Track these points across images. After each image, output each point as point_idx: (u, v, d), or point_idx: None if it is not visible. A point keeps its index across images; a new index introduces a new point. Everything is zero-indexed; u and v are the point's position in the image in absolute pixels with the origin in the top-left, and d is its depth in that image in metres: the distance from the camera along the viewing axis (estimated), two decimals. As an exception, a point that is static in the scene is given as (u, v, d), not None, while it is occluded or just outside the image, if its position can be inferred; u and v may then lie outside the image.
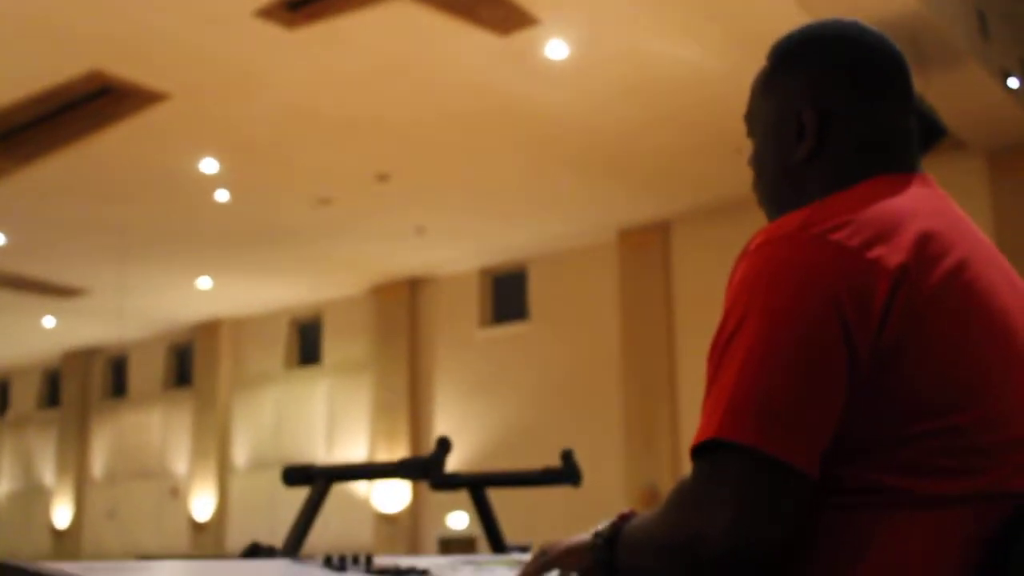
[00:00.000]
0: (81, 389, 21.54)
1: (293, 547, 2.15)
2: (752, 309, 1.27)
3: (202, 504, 18.93)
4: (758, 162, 1.55)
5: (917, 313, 1.26)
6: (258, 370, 18.89)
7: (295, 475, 2.35)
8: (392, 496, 16.32)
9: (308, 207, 13.56)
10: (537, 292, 15.84)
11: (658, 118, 11.17)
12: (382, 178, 12.70)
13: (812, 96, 1.46)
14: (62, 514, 21.46)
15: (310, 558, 1.88)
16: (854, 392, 1.25)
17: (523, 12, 9.19)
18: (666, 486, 12.39)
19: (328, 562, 1.75)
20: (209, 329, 19.24)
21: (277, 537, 2.39)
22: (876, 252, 1.28)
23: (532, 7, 9.13)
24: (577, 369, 14.98)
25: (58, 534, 21.38)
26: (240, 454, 18.92)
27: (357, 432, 17.22)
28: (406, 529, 16.23)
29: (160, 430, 20.22)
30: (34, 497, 22.30)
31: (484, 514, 2.65)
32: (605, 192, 13.31)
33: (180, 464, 19.75)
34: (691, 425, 13.20)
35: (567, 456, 2.61)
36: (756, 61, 1.61)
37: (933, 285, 1.29)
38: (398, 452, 15.87)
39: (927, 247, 1.31)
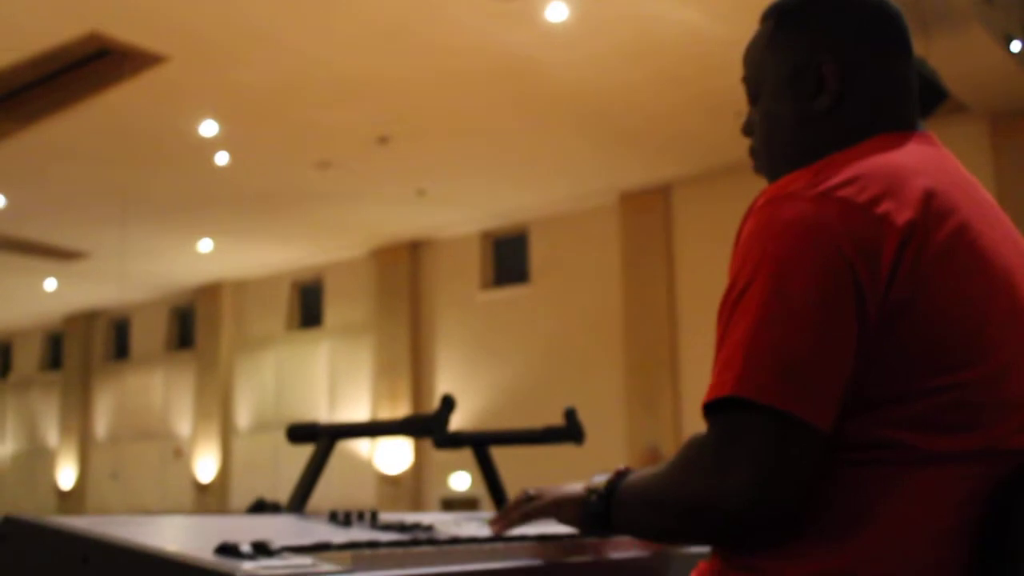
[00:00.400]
0: (83, 351, 21.59)
1: (298, 503, 2.17)
2: (762, 266, 1.28)
3: (205, 465, 19.02)
4: (766, 121, 1.54)
5: (924, 270, 1.27)
6: (260, 332, 18.92)
7: (300, 432, 2.37)
8: (395, 457, 16.39)
9: (309, 170, 13.53)
10: (538, 255, 15.84)
11: (659, 81, 11.12)
12: (383, 140, 12.67)
13: (830, 48, 1.46)
14: (66, 475, 21.57)
15: (315, 514, 1.90)
16: (862, 349, 1.26)
17: (524, -27, 9.14)
18: (667, 446, 12.44)
19: (333, 517, 1.77)
20: (211, 292, 19.26)
21: (280, 497, 2.41)
22: (884, 208, 1.28)
23: (533, -32, 9.07)
24: (578, 331, 15.00)
25: (62, 495, 21.50)
26: (242, 416, 18.98)
27: (359, 394, 17.27)
28: (408, 490, 16.31)
29: (162, 392, 20.28)
30: (38, 458, 22.40)
31: (487, 473, 2.67)
32: (606, 155, 13.27)
33: (183, 425, 19.83)
34: (692, 386, 13.28)
35: (570, 414, 2.62)
36: (757, 23, 1.61)
37: (940, 243, 1.29)
38: (400, 414, 15.91)
39: (932, 204, 1.31)
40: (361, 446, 16.32)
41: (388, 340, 16.93)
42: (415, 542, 1.47)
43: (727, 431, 1.26)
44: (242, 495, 17.86)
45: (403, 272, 16.90)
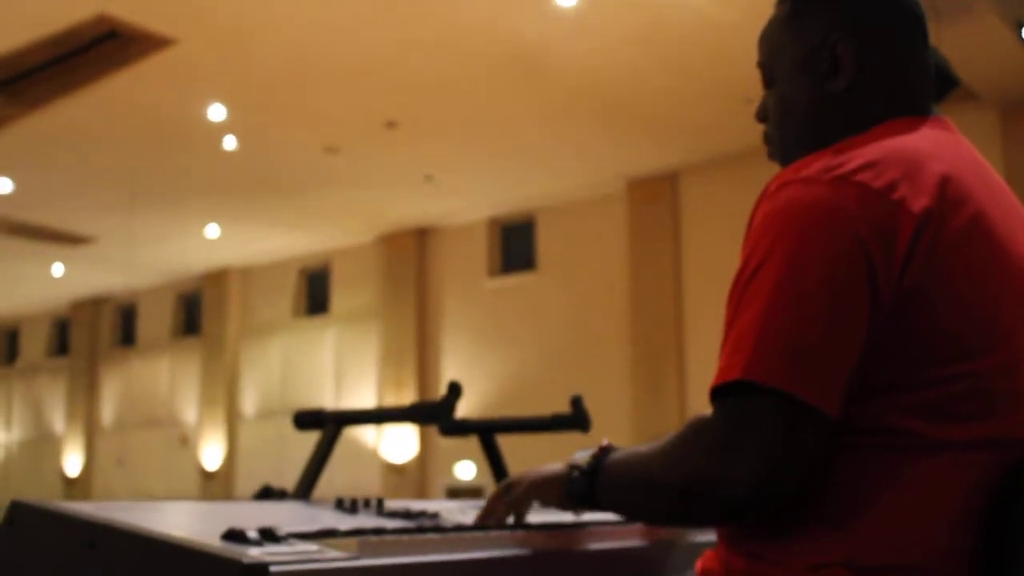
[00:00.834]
0: (90, 337, 21.63)
1: (304, 490, 2.17)
2: (775, 249, 1.27)
3: (211, 452, 19.06)
4: (783, 104, 1.53)
5: (939, 257, 1.26)
6: (266, 319, 18.94)
7: (306, 419, 2.37)
8: (400, 446, 16.42)
9: (317, 155, 13.53)
10: (545, 242, 15.83)
11: (668, 68, 11.10)
12: (390, 126, 12.67)
13: (846, 29, 1.45)
14: (72, 462, 21.63)
15: (322, 501, 1.90)
16: (874, 335, 1.25)
17: (533, -41, 9.12)
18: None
19: (340, 504, 1.77)
20: (217, 278, 19.28)
21: (285, 484, 2.41)
22: (900, 194, 1.27)
23: (542, -46, 9.05)
24: (585, 319, 15.00)
25: (68, 481, 21.57)
26: (248, 402, 19.02)
27: (365, 381, 17.29)
28: (414, 479, 16.34)
29: (169, 378, 20.33)
30: (44, 445, 22.47)
31: (493, 460, 2.67)
32: (614, 142, 13.26)
33: (189, 412, 19.87)
34: (699, 373, 13.27)
35: (576, 402, 2.62)
36: (767, 10, 1.60)
37: (955, 230, 1.28)
38: (406, 401, 15.93)
39: (948, 190, 1.30)
40: (366, 435, 16.35)
41: (395, 327, 16.94)
42: (421, 529, 1.47)
43: (734, 414, 1.25)
44: (248, 482, 17.90)
45: (410, 259, 16.90)
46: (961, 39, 9.47)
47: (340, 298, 18.06)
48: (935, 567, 1.25)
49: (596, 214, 15.14)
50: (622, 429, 13.51)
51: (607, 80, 11.40)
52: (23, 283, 20.13)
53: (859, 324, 1.24)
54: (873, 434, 1.26)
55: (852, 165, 1.30)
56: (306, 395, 17.47)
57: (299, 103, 12.02)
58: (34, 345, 23.32)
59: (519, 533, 1.49)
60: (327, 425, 2.31)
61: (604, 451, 1.45)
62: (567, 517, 1.65)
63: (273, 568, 1.17)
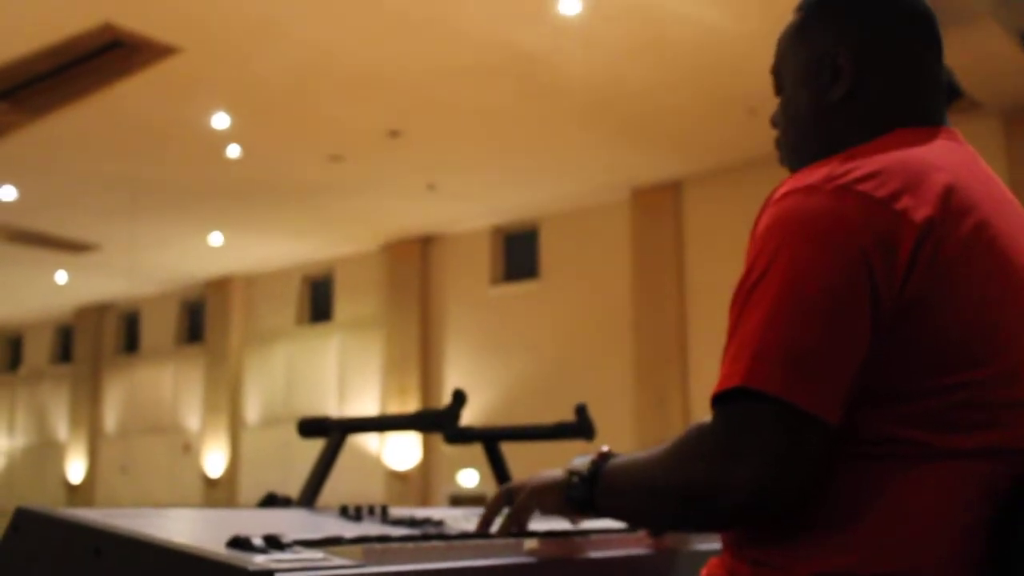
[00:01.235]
0: (93, 344, 21.64)
1: (309, 497, 2.17)
2: (778, 257, 1.27)
3: (214, 459, 19.05)
4: (788, 111, 1.55)
5: (941, 267, 1.27)
6: (270, 326, 18.95)
7: (311, 427, 2.37)
8: (403, 453, 16.41)
9: (320, 163, 13.55)
10: (548, 250, 15.83)
11: (671, 77, 11.11)
12: (394, 134, 12.68)
13: (847, 39, 1.46)
14: (76, 469, 21.63)
15: (326, 509, 1.90)
16: (876, 343, 1.25)
17: (536, -32, 9.13)
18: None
19: (344, 512, 1.77)
20: (221, 285, 19.29)
21: (290, 492, 2.41)
22: (903, 204, 1.28)
23: (546, -37, 9.07)
24: (588, 327, 15.00)
25: (72, 488, 21.56)
26: (252, 410, 19.02)
27: (368, 389, 17.29)
28: (417, 487, 16.32)
29: (172, 386, 20.33)
30: (48, 452, 22.46)
31: (497, 469, 2.67)
32: (617, 151, 13.26)
33: (192, 420, 19.87)
34: (702, 383, 13.26)
35: (581, 410, 2.62)
36: (772, 21, 1.61)
37: (958, 240, 1.29)
38: (409, 409, 15.91)
39: (952, 200, 1.31)
40: (370, 442, 16.34)
41: (398, 335, 16.94)
42: (426, 537, 1.48)
43: (735, 421, 1.25)
44: (251, 490, 17.89)
45: (413, 267, 16.91)
46: (963, 49, 9.48)
47: (344, 306, 18.06)
48: (940, 576, 1.26)
49: (599, 223, 15.15)
50: (626, 437, 13.49)
51: (610, 90, 11.41)
52: (27, 290, 20.15)
53: (860, 333, 1.25)
54: (877, 443, 1.27)
55: (855, 175, 1.30)
56: (310, 403, 17.47)
57: (302, 112, 12.04)
58: (38, 352, 23.33)
59: (523, 541, 1.49)
60: (331, 433, 2.32)
61: (603, 457, 1.45)
62: (568, 524, 1.65)
63: (278, 575, 1.17)
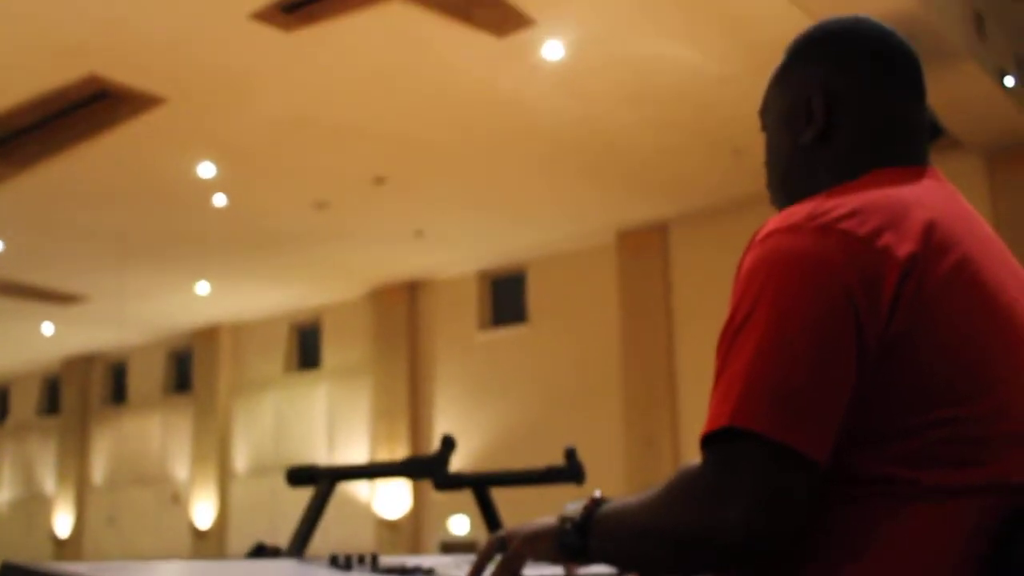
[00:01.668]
0: (81, 396, 21.53)
1: (299, 547, 2.16)
2: (762, 298, 1.28)
3: (203, 510, 18.91)
4: (771, 152, 1.57)
5: (925, 304, 1.27)
6: (258, 375, 18.88)
7: (299, 475, 2.36)
8: (393, 501, 16.32)
9: (306, 211, 13.56)
10: (536, 294, 15.85)
11: (655, 120, 11.17)
12: (379, 181, 12.71)
13: (822, 83, 1.49)
14: (63, 521, 21.44)
15: (316, 558, 1.89)
16: (861, 382, 1.25)
17: (519, 13, 9.20)
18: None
19: (334, 561, 1.75)
20: (208, 334, 19.23)
21: (279, 542, 2.39)
22: (885, 241, 1.28)
23: (527, 8, 9.14)
24: (577, 371, 14.98)
25: (59, 542, 21.36)
26: (240, 460, 18.91)
27: (357, 437, 17.22)
28: (407, 534, 16.22)
29: (160, 436, 20.21)
30: (35, 505, 22.28)
31: (488, 514, 2.66)
32: (603, 194, 13.31)
33: (180, 470, 19.74)
34: (691, 424, 13.24)
35: (570, 455, 2.61)
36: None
37: (940, 276, 1.29)
38: (398, 455, 15.84)
39: (933, 237, 1.32)
40: (360, 490, 16.25)
41: (386, 381, 16.89)
42: (416, 585, 1.46)
43: (723, 462, 1.25)
44: (240, 541, 17.75)
45: (401, 313, 16.90)
46: (945, 88, 9.56)
47: (331, 353, 18.02)
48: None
49: (586, 266, 15.18)
50: (616, 480, 13.45)
51: (595, 133, 11.48)
52: (13, 342, 20.07)
53: (846, 371, 1.25)
54: (863, 483, 1.27)
55: (836, 213, 1.31)
56: (299, 451, 17.38)
57: (288, 160, 12.07)
58: (24, 404, 23.19)
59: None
60: (320, 481, 2.30)
61: (595, 503, 1.43)
62: (561, 572, 1.63)
63: (268, 627, 1.16)
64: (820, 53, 1.51)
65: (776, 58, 1.60)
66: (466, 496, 2.71)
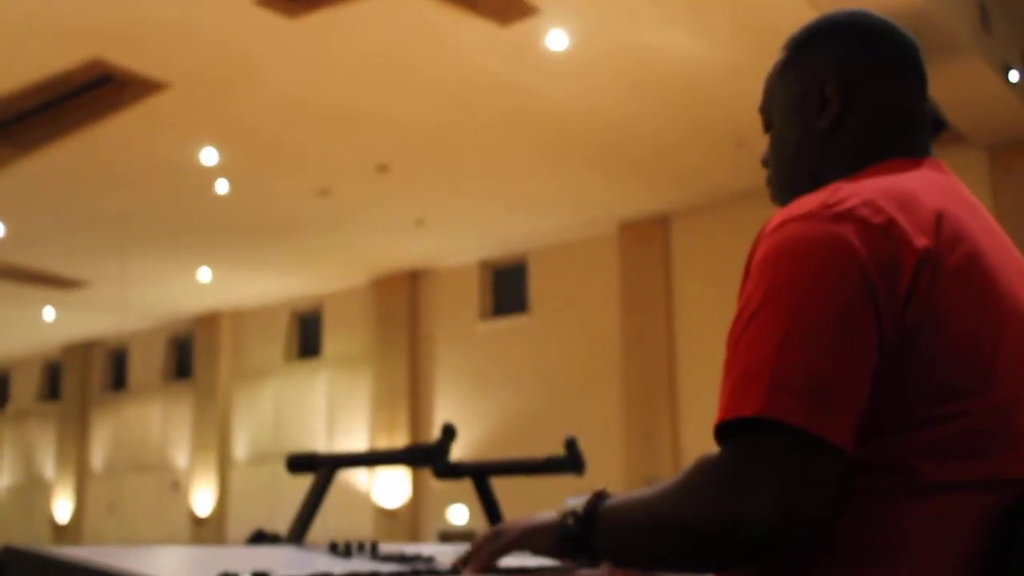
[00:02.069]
0: (81, 382, 21.54)
1: (298, 534, 2.16)
2: (780, 285, 1.26)
3: (202, 497, 18.94)
4: (776, 144, 1.56)
5: (938, 294, 1.27)
6: (258, 362, 18.89)
7: (299, 463, 2.36)
8: (392, 490, 16.34)
9: (308, 198, 13.56)
10: (537, 285, 15.85)
11: (659, 111, 11.16)
12: (382, 169, 12.70)
13: (835, 70, 1.48)
14: (62, 507, 21.47)
15: (315, 546, 1.89)
16: (877, 370, 1.25)
17: (523, 2, 9.19)
18: (666, 475, 12.40)
19: (334, 549, 1.76)
20: (209, 321, 19.24)
21: (278, 529, 2.39)
22: (900, 230, 1.28)
23: (532, -2, 9.13)
24: (577, 362, 14.99)
25: (58, 528, 21.40)
26: (240, 447, 18.93)
27: (357, 425, 17.23)
28: (406, 523, 16.24)
29: (160, 423, 20.23)
30: (34, 490, 22.31)
31: (487, 504, 2.66)
32: (606, 185, 13.31)
33: (180, 457, 19.76)
34: (691, 416, 13.25)
35: (571, 444, 2.61)
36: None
37: (952, 269, 1.29)
38: (398, 444, 15.85)
39: (944, 229, 1.31)
40: (359, 479, 16.27)
41: (387, 370, 16.90)
42: (416, 573, 1.46)
43: (749, 451, 1.22)
44: (239, 528, 17.77)
45: (402, 302, 16.90)
46: (948, 82, 9.55)
47: (332, 341, 18.03)
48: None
49: (588, 257, 15.17)
50: (615, 470, 13.47)
51: (598, 124, 11.46)
52: (14, 327, 20.07)
53: (868, 358, 1.24)
54: (874, 474, 1.26)
55: (851, 202, 1.30)
56: (298, 439, 17.39)
57: (291, 147, 12.06)
58: (25, 390, 23.21)
59: (513, 576, 1.48)
60: (320, 469, 2.30)
61: (599, 497, 1.41)
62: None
63: (267, 613, 1.16)
64: (828, 43, 1.51)
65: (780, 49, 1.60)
66: (465, 486, 2.71)
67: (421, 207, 14.09)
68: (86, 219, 14.15)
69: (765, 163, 1.61)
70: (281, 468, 2.48)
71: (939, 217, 1.32)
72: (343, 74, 10.42)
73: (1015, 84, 10.37)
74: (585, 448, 2.69)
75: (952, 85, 9.68)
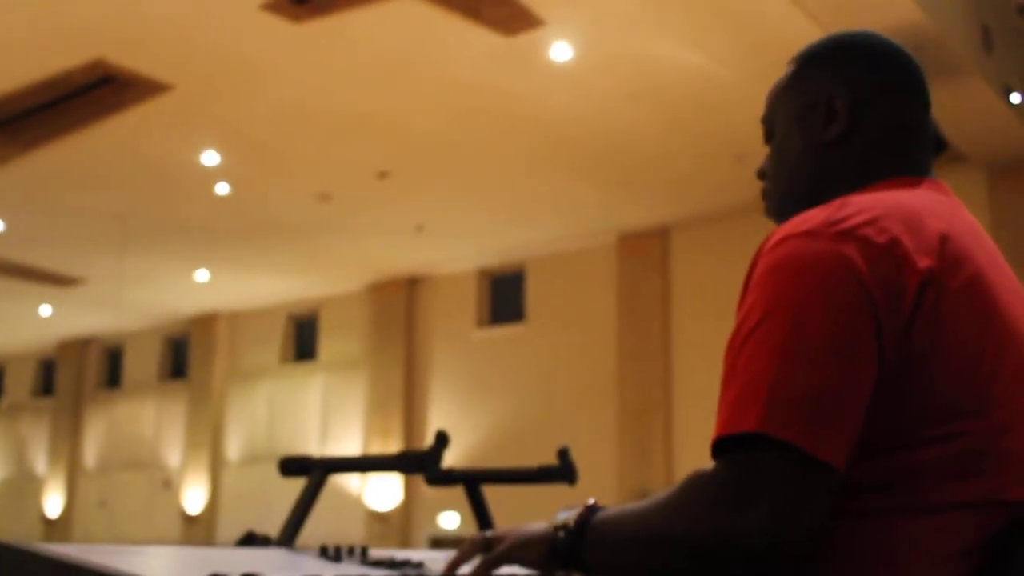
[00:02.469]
0: (76, 378, 21.52)
1: (288, 537, 2.16)
2: (780, 302, 1.26)
3: (194, 497, 18.91)
4: (778, 155, 1.55)
5: (941, 316, 1.26)
6: (253, 364, 18.88)
7: (292, 466, 2.36)
8: (384, 494, 16.32)
9: (308, 202, 13.57)
10: (535, 294, 15.85)
11: (661, 123, 11.18)
12: (382, 175, 12.71)
13: (844, 84, 1.49)
14: (53, 503, 21.44)
15: (305, 549, 1.89)
16: (876, 390, 1.25)
17: (528, 13, 9.21)
18: (659, 489, 12.39)
19: (324, 552, 1.75)
20: (205, 322, 19.24)
21: (269, 531, 2.39)
22: (904, 251, 1.27)
23: (538, 8, 9.14)
24: (573, 372, 14.99)
25: (49, 523, 21.36)
26: (233, 448, 18.91)
27: (351, 429, 17.22)
28: (397, 528, 16.23)
29: (154, 422, 20.21)
30: (26, 485, 22.27)
31: (479, 511, 2.66)
32: (605, 195, 13.32)
33: (173, 456, 19.74)
34: (685, 429, 13.24)
35: (563, 454, 2.61)
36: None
37: (955, 290, 1.29)
38: (392, 450, 15.84)
39: (948, 250, 1.31)
40: (351, 482, 16.25)
41: (382, 375, 16.90)
42: (405, 579, 1.46)
43: (745, 467, 1.22)
44: (230, 528, 17.75)
45: (399, 307, 16.90)
46: (950, 102, 9.57)
47: (328, 345, 18.02)
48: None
49: (586, 267, 15.18)
50: (608, 481, 13.46)
51: (599, 135, 11.48)
52: (10, 323, 20.06)
53: (867, 377, 1.23)
54: (870, 493, 1.26)
55: (855, 221, 1.30)
56: (292, 441, 17.38)
57: (292, 151, 12.07)
58: (19, 385, 23.19)
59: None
60: (313, 472, 2.30)
61: (591, 510, 1.41)
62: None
63: (255, 615, 1.16)
64: (837, 60, 1.51)
65: (781, 64, 1.60)
66: (457, 492, 2.71)
67: (421, 213, 14.10)
68: (85, 217, 14.15)
69: (761, 175, 1.60)
70: (273, 470, 2.47)
71: (943, 238, 1.32)
72: (346, 80, 10.44)
73: (1016, 105, 10.40)
74: (578, 458, 2.69)
75: (953, 105, 9.70)
